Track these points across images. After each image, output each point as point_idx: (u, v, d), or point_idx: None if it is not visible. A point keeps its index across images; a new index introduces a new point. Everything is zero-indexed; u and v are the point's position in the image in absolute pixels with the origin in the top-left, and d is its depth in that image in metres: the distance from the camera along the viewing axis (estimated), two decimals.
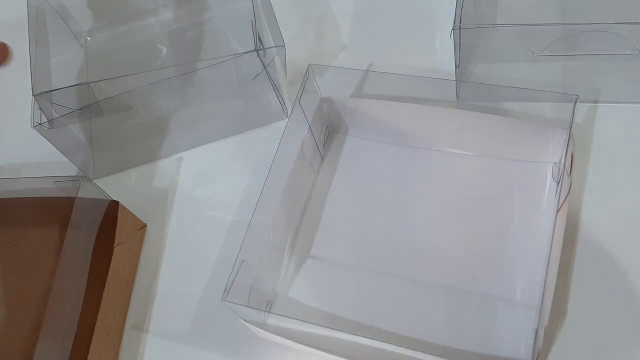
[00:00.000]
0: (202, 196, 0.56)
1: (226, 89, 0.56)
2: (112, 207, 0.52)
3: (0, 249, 0.56)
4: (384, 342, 0.40)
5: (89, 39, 0.66)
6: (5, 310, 0.52)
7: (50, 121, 0.52)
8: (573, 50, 0.50)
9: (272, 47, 0.52)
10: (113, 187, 0.54)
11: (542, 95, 0.45)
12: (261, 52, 0.51)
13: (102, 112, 0.53)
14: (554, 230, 0.46)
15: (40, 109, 0.51)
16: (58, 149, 0.54)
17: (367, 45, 0.61)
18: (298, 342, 0.46)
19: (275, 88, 0.55)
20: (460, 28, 0.48)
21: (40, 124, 0.51)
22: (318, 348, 0.45)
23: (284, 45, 0.54)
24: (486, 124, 0.50)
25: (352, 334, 0.41)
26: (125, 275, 0.52)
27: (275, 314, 0.46)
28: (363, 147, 0.55)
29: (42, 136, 0.52)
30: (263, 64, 0.51)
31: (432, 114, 0.52)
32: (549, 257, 0.45)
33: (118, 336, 0.50)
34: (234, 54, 0.49)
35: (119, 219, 0.51)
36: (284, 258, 0.51)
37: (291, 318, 0.43)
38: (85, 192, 0.49)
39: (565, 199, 0.44)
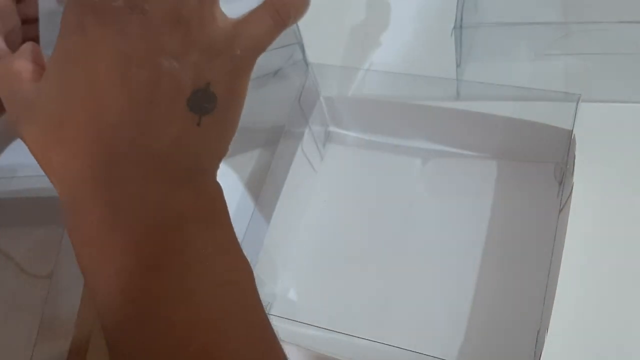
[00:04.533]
0: None
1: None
2: None
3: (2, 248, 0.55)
4: (384, 344, 0.39)
5: None
6: (5, 311, 0.52)
7: None
8: (575, 49, 0.49)
9: (296, 43, 0.51)
10: None
11: (544, 95, 0.45)
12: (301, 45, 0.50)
13: None
14: (556, 231, 0.45)
15: None
16: None
17: (367, 44, 0.61)
18: (298, 344, 0.45)
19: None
20: (461, 27, 0.47)
21: None
22: (318, 350, 0.45)
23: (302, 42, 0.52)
24: (487, 123, 0.50)
25: (352, 335, 0.41)
26: None
27: (275, 315, 0.46)
28: (363, 146, 0.55)
29: None
30: (305, 58, 0.50)
31: (433, 113, 0.52)
32: (552, 258, 0.45)
33: None
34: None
35: None
36: (284, 259, 0.50)
37: (291, 320, 0.43)
38: None
39: (567, 199, 0.43)
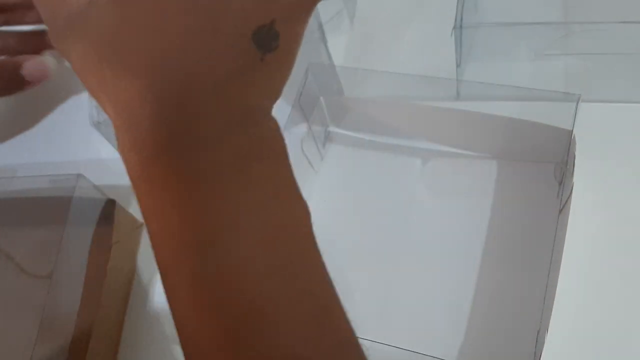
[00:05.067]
0: None
1: None
2: (109, 206, 0.51)
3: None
4: (384, 344, 0.39)
5: None
6: (4, 312, 0.52)
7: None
8: (575, 49, 0.49)
9: None
10: (109, 185, 0.54)
11: (544, 95, 0.45)
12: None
13: None
14: (556, 231, 0.45)
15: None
16: (113, 146, 0.55)
17: (367, 44, 0.61)
18: None
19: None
20: (461, 27, 0.47)
21: (99, 122, 0.51)
22: None
23: None
24: (487, 123, 0.50)
25: None
26: (124, 275, 0.52)
27: None
28: (363, 146, 0.55)
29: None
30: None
31: (433, 113, 0.52)
32: (552, 258, 0.45)
33: (116, 336, 0.50)
34: None
35: (115, 218, 0.51)
36: None
37: None
38: (81, 190, 0.48)
39: (567, 199, 0.43)
